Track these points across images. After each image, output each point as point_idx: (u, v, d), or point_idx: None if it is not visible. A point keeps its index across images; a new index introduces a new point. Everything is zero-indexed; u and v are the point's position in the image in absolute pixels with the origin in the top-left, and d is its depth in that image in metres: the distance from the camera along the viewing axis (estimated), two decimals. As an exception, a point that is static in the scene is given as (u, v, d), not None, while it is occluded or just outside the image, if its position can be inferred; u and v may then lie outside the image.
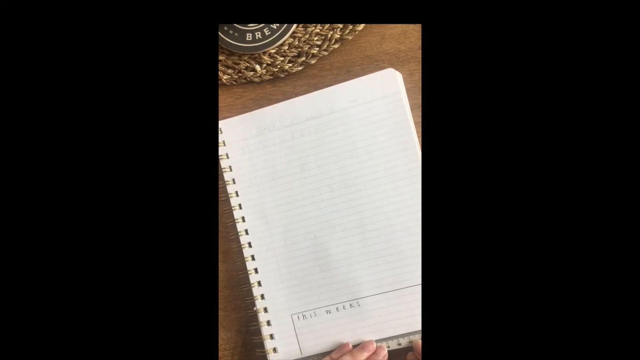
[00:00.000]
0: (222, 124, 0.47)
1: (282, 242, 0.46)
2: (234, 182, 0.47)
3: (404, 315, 0.44)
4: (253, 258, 0.46)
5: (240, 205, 0.47)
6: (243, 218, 0.47)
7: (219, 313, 0.47)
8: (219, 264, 0.47)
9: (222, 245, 0.47)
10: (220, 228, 0.47)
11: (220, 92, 0.48)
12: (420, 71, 0.46)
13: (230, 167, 0.47)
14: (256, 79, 0.48)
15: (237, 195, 0.47)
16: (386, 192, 0.44)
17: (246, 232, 0.46)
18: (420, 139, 0.44)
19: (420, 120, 0.45)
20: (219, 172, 0.47)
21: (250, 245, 0.46)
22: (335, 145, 0.45)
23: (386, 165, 0.45)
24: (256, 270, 0.46)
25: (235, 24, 0.47)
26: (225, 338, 0.47)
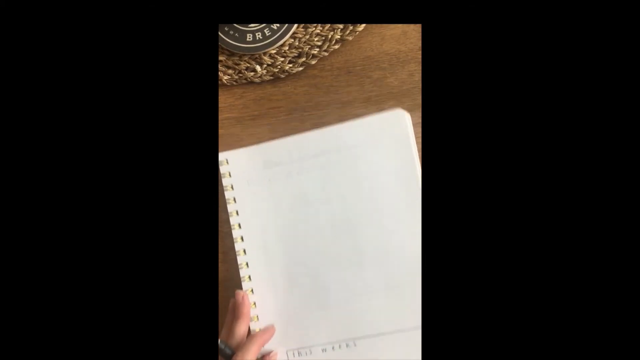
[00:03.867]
0: (229, 155, 0.47)
1: (281, 277, 0.45)
2: (237, 214, 0.46)
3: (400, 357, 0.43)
4: (252, 291, 0.46)
5: (242, 237, 0.46)
6: (244, 250, 0.46)
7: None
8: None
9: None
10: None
11: (220, 93, 0.48)
12: (420, 72, 0.46)
13: (234, 198, 0.46)
14: (256, 80, 0.48)
15: (240, 228, 0.46)
16: (388, 234, 0.44)
17: (247, 264, 0.46)
18: (421, 146, 0.44)
19: (419, 120, 0.45)
20: (223, 196, 0.47)
21: (250, 278, 0.46)
22: (340, 184, 0.45)
23: (389, 207, 0.44)
24: (254, 304, 0.45)
25: (235, 24, 0.47)
26: None
